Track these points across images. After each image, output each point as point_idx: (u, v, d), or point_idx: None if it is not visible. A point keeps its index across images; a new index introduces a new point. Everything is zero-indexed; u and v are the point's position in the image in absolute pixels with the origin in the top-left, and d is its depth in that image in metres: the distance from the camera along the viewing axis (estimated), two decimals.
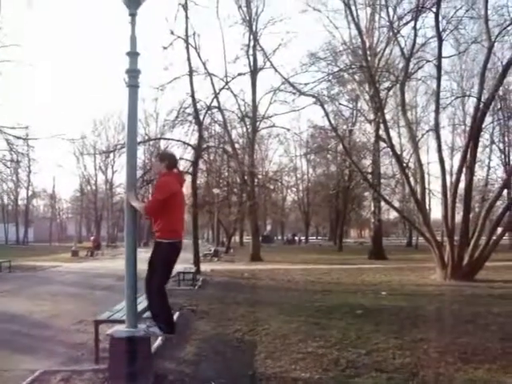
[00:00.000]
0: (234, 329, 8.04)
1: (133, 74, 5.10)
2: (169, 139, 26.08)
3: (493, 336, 7.37)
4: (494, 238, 17.22)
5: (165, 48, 21.90)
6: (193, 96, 21.77)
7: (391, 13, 19.52)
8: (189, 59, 21.68)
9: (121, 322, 5.80)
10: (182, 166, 27.96)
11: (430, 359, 6.14)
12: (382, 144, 27.49)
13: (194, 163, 22.17)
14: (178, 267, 16.58)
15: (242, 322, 8.65)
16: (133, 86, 5.10)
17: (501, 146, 38.35)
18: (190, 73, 21.68)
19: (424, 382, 5.26)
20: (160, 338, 6.79)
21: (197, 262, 19.43)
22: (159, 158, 5.84)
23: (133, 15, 5.15)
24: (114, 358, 5.09)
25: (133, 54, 5.12)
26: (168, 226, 5.39)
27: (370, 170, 32.08)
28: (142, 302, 6.55)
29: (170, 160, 5.71)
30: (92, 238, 42.60)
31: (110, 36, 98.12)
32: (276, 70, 20.67)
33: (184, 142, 24.08)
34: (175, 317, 8.55)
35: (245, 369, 5.72)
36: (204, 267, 20.55)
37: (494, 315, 9.26)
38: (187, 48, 21.73)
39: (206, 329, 8.15)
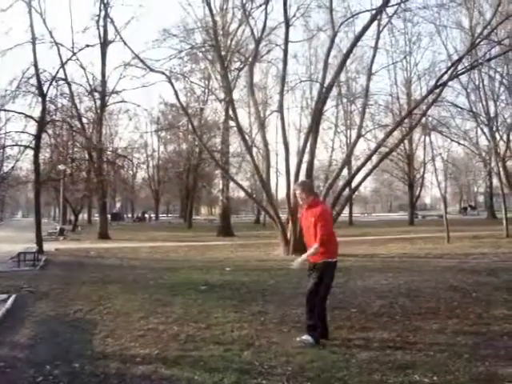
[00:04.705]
0: (75, 309, 7.90)
1: None
2: (9, 111, 24.42)
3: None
4: (334, 213, 18.41)
5: (3, 10, 20.44)
6: (36, 66, 20.50)
7: None
8: (32, 25, 20.37)
9: None
10: (25, 140, 26.46)
11: (266, 330, 6.53)
12: (232, 123, 28.01)
13: (37, 137, 21.01)
14: (19, 247, 15.80)
15: (84, 301, 8.52)
16: None
17: (343, 128, 41.24)
18: (33, 40, 20.40)
19: (259, 350, 5.58)
20: None
21: (39, 241, 18.64)
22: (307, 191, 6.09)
23: None
24: None
25: None
26: (334, 248, 6.06)
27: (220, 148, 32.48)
28: None
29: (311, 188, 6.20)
30: None
31: None
32: (126, 44, 20.02)
33: (26, 115, 22.70)
34: (11, 300, 8.22)
35: (83, 349, 5.66)
36: (48, 246, 19.84)
37: None
38: (30, 13, 20.41)
39: (45, 310, 7.90)
